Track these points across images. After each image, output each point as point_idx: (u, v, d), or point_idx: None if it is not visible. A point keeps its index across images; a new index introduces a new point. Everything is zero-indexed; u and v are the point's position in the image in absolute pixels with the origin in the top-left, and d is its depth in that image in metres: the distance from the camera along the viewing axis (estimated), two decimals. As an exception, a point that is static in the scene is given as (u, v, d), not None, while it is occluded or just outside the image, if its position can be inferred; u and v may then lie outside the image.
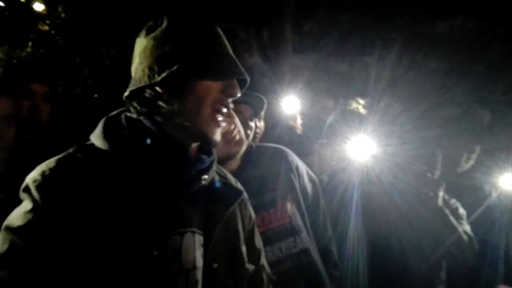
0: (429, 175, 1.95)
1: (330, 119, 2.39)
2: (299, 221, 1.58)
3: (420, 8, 5.04)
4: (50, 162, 0.93)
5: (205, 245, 0.96)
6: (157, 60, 0.96)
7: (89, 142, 0.99)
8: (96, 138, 0.98)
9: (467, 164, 2.35)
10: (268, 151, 1.67)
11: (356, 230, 1.64)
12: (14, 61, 3.60)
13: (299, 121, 3.25)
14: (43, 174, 0.89)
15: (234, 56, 1.02)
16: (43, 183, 0.88)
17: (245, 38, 5.67)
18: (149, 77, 0.95)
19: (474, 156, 2.34)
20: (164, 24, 1.00)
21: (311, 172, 1.75)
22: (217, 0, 4.79)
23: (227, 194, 1.08)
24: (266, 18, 5.58)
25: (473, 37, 5.13)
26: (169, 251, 0.90)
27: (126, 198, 0.89)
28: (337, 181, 1.89)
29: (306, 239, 1.58)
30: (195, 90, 0.94)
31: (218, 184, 1.07)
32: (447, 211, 1.98)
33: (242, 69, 1.01)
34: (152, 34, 1.00)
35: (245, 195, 1.18)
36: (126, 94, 1.01)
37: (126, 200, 0.89)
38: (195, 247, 0.94)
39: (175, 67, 0.92)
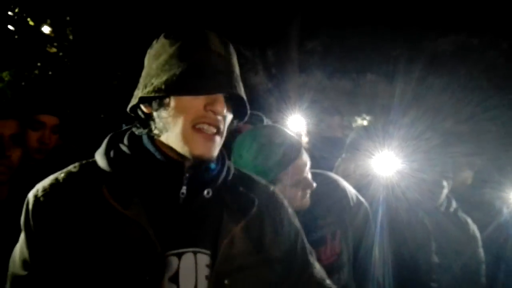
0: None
1: (352, 134, 2.32)
2: (345, 256, 1.52)
3: (423, 25, 5.07)
4: (45, 182, 0.91)
5: (212, 265, 0.89)
6: (144, 78, 0.94)
7: (92, 159, 0.97)
8: (98, 155, 0.95)
9: (469, 180, 2.32)
10: (317, 181, 1.53)
11: (381, 247, 1.57)
12: (23, 83, 3.66)
13: (304, 139, 3.23)
14: (36, 197, 0.88)
15: (225, 71, 0.93)
16: (37, 206, 0.86)
17: (251, 57, 5.72)
18: (136, 96, 0.94)
19: (471, 173, 2.32)
20: (158, 41, 0.97)
21: (361, 198, 1.66)
22: (223, 21, 4.85)
23: (240, 207, 0.98)
24: (271, 37, 5.64)
25: (477, 53, 5.14)
26: (165, 274, 0.85)
27: (118, 220, 0.85)
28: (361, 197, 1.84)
29: (347, 274, 1.52)
30: (174, 107, 0.89)
31: (230, 196, 0.98)
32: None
33: (236, 84, 0.93)
34: (148, 52, 0.98)
35: (268, 205, 1.05)
36: (127, 110, 0.98)
37: (118, 223, 0.85)
38: (197, 269, 0.88)
39: (154, 84, 0.89)
